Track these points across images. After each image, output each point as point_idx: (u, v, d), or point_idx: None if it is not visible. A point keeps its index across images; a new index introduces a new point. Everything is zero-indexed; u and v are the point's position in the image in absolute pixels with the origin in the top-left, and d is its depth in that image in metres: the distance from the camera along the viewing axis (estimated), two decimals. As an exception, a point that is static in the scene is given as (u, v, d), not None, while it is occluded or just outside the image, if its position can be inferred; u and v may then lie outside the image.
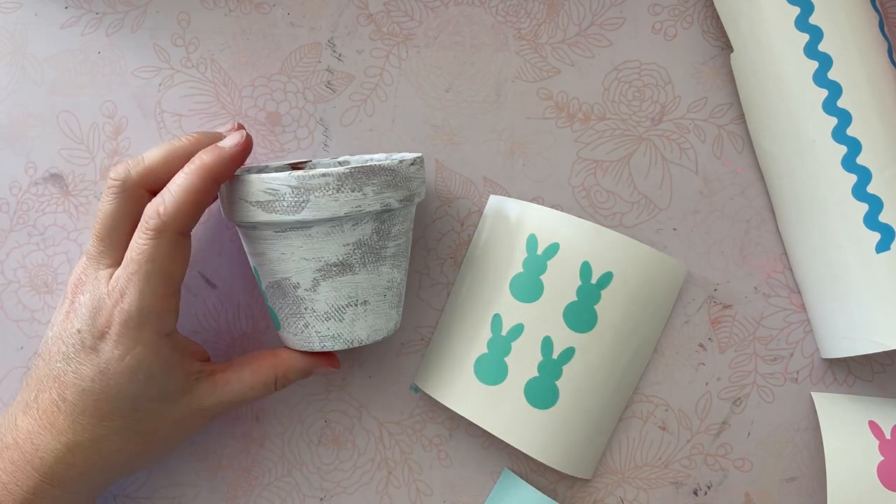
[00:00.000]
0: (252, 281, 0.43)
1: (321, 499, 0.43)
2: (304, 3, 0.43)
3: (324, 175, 0.33)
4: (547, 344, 0.38)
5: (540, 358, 0.38)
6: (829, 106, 0.36)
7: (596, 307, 0.38)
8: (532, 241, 0.39)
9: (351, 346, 0.37)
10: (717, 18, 0.42)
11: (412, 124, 0.43)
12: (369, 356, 0.43)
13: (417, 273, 0.43)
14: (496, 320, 0.39)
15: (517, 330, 0.38)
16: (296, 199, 0.33)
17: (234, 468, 0.42)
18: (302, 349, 0.37)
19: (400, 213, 0.36)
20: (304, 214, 0.33)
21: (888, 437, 0.38)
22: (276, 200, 0.34)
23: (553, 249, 0.38)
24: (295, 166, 0.41)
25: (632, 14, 0.43)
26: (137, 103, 0.43)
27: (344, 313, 0.36)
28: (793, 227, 0.40)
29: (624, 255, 0.38)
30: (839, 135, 0.36)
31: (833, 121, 0.36)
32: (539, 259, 0.39)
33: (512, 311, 0.39)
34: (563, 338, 0.38)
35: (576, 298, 0.38)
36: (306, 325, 0.36)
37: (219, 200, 0.38)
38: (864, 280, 0.36)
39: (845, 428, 0.39)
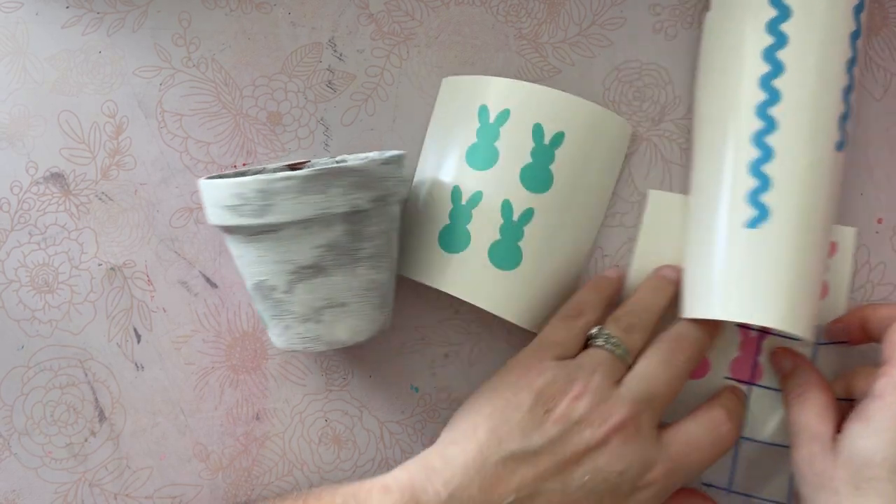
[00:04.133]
0: (253, 280, 0.43)
1: (322, 498, 0.43)
2: (304, 3, 0.43)
3: (287, 178, 0.33)
4: (507, 207, 0.39)
5: (501, 221, 0.39)
6: (765, 82, 0.37)
7: (551, 167, 0.39)
8: (483, 111, 0.40)
9: (332, 348, 0.37)
10: (718, 19, 0.42)
11: (413, 124, 0.43)
12: (370, 355, 0.43)
13: (418, 272, 0.43)
14: (455, 192, 0.40)
15: (476, 198, 0.39)
16: (262, 202, 0.34)
17: (234, 468, 0.42)
18: (288, 349, 0.38)
19: (375, 214, 0.36)
20: (270, 218, 0.34)
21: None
22: (244, 204, 0.34)
23: (504, 116, 0.39)
24: (293, 167, 0.41)
25: (632, 14, 0.43)
26: (138, 103, 0.43)
27: (322, 315, 0.36)
28: (694, 188, 0.40)
29: (573, 114, 0.39)
30: (762, 110, 0.37)
31: (763, 96, 0.37)
32: (492, 127, 0.39)
33: (469, 180, 0.39)
34: (522, 199, 0.39)
35: (531, 160, 0.39)
36: (287, 327, 0.37)
37: None
38: (727, 250, 0.37)
39: (665, 230, 0.41)
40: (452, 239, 0.40)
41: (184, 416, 0.43)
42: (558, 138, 0.39)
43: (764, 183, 0.37)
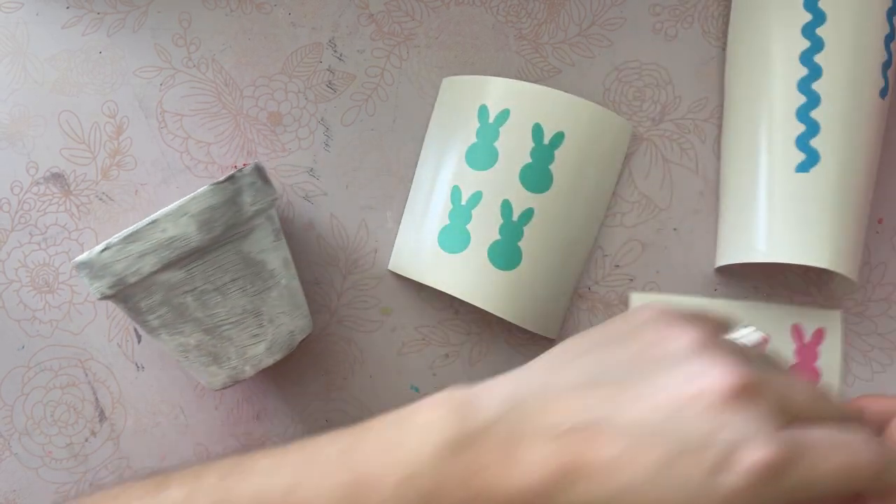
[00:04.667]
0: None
1: (322, 498, 0.43)
2: (305, 4, 0.43)
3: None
4: (506, 207, 0.39)
5: (501, 221, 0.39)
6: (808, 30, 0.38)
7: (551, 167, 0.39)
8: (483, 111, 0.40)
9: (216, 390, 0.39)
10: (718, 18, 0.42)
11: (413, 124, 0.43)
12: (370, 356, 0.43)
13: (418, 273, 0.43)
14: (455, 192, 0.40)
15: (476, 198, 0.39)
16: None
17: (235, 467, 0.42)
18: None
19: (134, 292, 0.35)
20: None
21: None
22: None
23: (504, 116, 0.39)
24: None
25: (632, 14, 0.43)
26: (139, 103, 0.43)
27: (181, 362, 0.38)
28: (735, 135, 0.40)
29: (573, 115, 0.39)
30: (806, 58, 0.38)
31: (806, 44, 0.38)
32: (491, 127, 0.40)
33: (469, 180, 0.40)
34: (522, 199, 0.39)
35: (530, 160, 0.39)
36: None
37: None
38: (775, 194, 0.38)
39: None
40: (452, 239, 0.40)
41: (184, 416, 0.43)
42: (558, 138, 0.39)
43: (812, 128, 0.37)
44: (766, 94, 0.39)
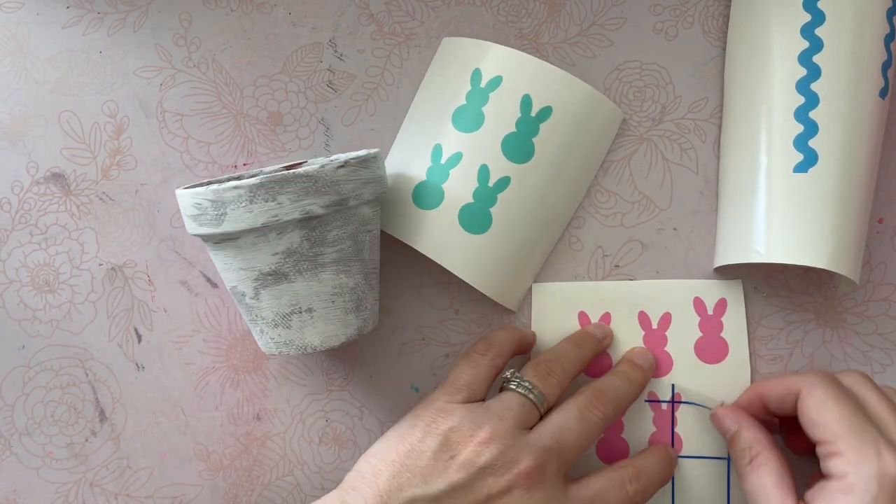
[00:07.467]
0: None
1: (322, 498, 0.43)
2: (305, 3, 0.43)
3: (236, 187, 0.33)
4: (483, 172, 0.39)
5: (476, 185, 0.39)
6: (807, 30, 0.38)
7: (534, 139, 0.39)
8: (476, 75, 0.40)
9: (306, 352, 0.37)
10: (718, 18, 0.42)
11: (413, 124, 0.43)
12: (370, 356, 0.43)
13: (418, 273, 0.43)
14: (437, 150, 0.40)
15: (456, 158, 0.39)
16: (216, 212, 0.34)
17: (235, 467, 0.42)
18: (267, 353, 0.39)
19: (335, 219, 0.35)
20: (225, 227, 0.34)
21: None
22: (202, 214, 0.34)
23: (496, 82, 0.40)
24: (290, 168, 0.41)
25: (633, 14, 0.43)
26: (139, 103, 0.43)
27: (290, 320, 0.36)
28: (734, 135, 0.40)
29: (565, 91, 0.40)
30: (805, 58, 0.38)
31: (805, 44, 0.38)
32: (482, 91, 0.40)
33: (452, 140, 0.40)
34: (500, 167, 0.39)
35: (515, 129, 0.39)
36: (261, 332, 0.37)
37: None
38: (774, 194, 0.38)
39: (554, 318, 0.42)
40: (426, 196, 0.40)
41: (184, 416, 0.43)
42: (545, 112, 0.39)
43: (810, 128, 0.37)
44: (765, 94, 0.39)
